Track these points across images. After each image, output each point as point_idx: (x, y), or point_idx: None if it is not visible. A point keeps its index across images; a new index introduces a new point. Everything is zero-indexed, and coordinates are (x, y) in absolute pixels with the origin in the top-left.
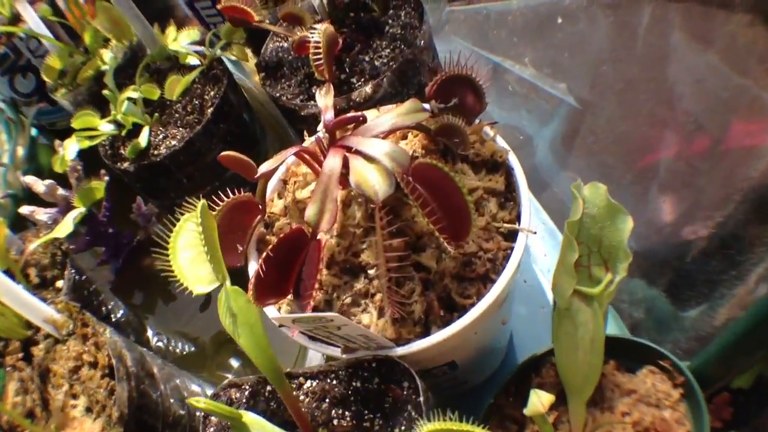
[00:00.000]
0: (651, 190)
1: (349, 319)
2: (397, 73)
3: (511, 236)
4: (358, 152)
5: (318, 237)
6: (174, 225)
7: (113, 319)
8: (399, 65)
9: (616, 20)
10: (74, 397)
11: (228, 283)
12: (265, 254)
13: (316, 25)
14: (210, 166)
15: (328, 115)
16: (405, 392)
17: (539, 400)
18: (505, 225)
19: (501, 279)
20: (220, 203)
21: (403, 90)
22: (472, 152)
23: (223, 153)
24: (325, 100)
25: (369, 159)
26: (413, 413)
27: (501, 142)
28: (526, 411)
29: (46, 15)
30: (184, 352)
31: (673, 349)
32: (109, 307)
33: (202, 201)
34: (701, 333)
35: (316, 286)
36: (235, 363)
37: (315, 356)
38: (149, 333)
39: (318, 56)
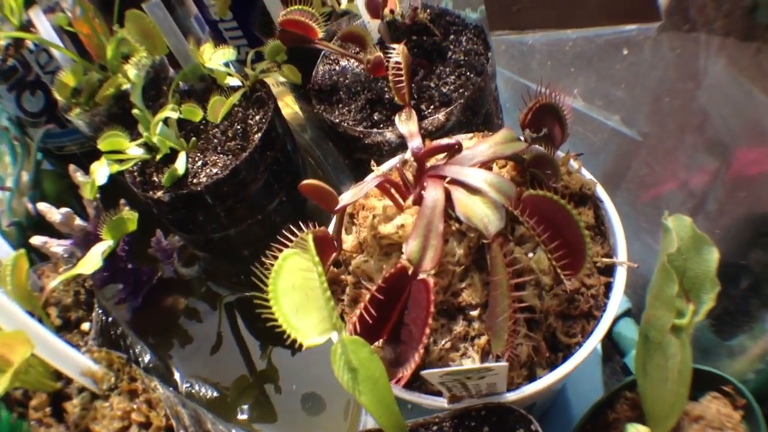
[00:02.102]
0: (708, 220)
1: (447, 365)
2: (470, 102)
3: (606, 271)
4: (456, 182)
5: (421, 276)
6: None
7: (142, 365)
8: (471, 93)
9: (683, 52)
10: None
11: (345, 332)
12: (369, 296)
13: (392, 46)
14: (252, 198)
15: (416, 143)
16: None
17: None
18: (604, 260)
19: (608, 313)
20: (293, 237)
21: (474, 119)
22: (561, 185)
23: (305, 182)
24: (408, 126)
25: (472, 190)
26: None
27: (587, 174)
28: None
29: (62, 24)
30: (208, 396)
31: None
32: (137, 350)
33: (310, 234)
34: (750, 356)
35: (427, 332)
36: (255, 410)
37: None
38: (177, 376)
39: (399, 79)
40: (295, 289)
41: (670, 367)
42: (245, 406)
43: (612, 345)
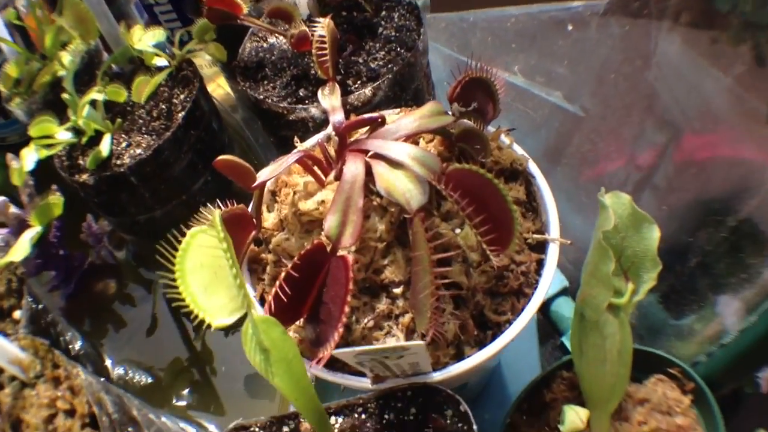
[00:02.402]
0: (653, 198)
1: (371, 344)
2: (398, 77)
3: (538, 248)
4: (379, 156)
5: (340, 253)
6: (177, 241)
7: (72, 352)
8: (400, 69)
9: (632, 30)
10: None
11: (255, 311)
12: (284, 273)
13: (318, 19)
14: (177, 178)
15: (338, 117)
16: (449, 421)
17: (578, 416)
18: (535, 236)
19: (539, 291)
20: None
21: (402, 94)
22: (491, 160)
23: (220, 157)
24: (331, 100)
25: (394, 164)
26: None
27: (519, 150)
28: (564, 428)
29: (12, 19)
30: (142, 383)
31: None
32: (67, 337)
33: (218, 211)
34: (701, 338)
35: (346, 310)
36: (192, 394)
37: None
38: (108, 362)
39: (323, 52)
40: (204, 267)
41: (608, 347)
42: (183, 391)
43: (549, 324)
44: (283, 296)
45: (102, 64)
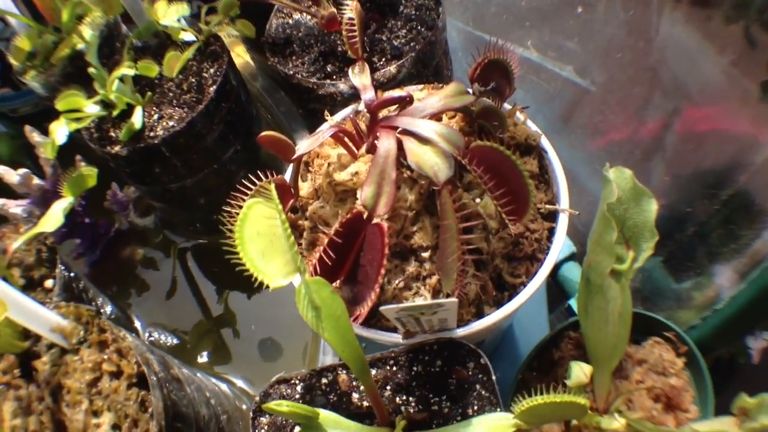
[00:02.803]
0: (658, 168)
1: (401, 303)
2: (421, 55)
3: (550, 217)
4: (408, 133)
5: (375, 221)
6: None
7: (104, 316)
8: (422, 47)
9: (637, 12)
10: (96, 414)
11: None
12: (328, 239)
13: (347, 1)
14: (208, 149)
15: (369, 95)
16: (470, 373)
17: (582, 371)
18: (548, 206)
19: (550, 256)
20: (252, 187)
21: (424, 71)
22: (507, 135)
23: (264, 133)
24: (361, 78)
25: (422, 140)
26: (483, 392)
27: (532, 126)
28: (570, 382)
29: None
30: (168, 344)
31: (667, 318)
32: (99, 303)
33: (272, 183)
34: (697, 303)
35: (382, 272)
36: (215, 356)
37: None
38: (138, 325)
39: (353, 34)
40: (260, 235)
41: (611, 309)
42: (205, 353)
43: (558, 287)
44: (327, 260)
45: (121, 36)
